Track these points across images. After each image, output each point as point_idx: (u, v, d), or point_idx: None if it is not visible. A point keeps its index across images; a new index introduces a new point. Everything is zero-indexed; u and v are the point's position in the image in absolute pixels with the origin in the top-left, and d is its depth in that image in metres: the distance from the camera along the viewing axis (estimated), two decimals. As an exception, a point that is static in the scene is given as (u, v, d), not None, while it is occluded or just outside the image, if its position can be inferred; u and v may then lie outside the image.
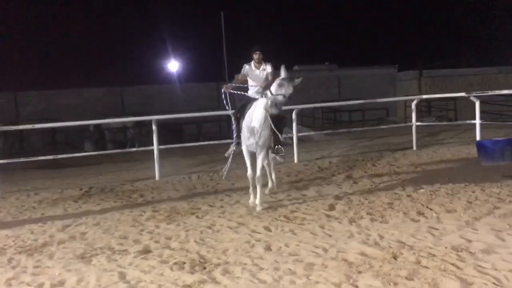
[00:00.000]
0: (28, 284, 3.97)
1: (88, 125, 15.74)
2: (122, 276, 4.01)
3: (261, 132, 6.22)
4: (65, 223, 6.06)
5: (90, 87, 22.45)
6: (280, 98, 5.97)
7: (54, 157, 10.22)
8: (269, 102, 6.06)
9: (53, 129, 19.00)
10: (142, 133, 16.40)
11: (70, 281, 3.98)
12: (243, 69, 7.09)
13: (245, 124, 6.46)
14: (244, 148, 6.63)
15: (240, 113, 6.82)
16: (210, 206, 6.57)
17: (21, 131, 18.86)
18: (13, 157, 10.54)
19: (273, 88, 6.09)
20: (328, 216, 5.58)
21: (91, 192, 8.35)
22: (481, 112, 10.49)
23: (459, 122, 15.08)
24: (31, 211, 7.02)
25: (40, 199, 7.99)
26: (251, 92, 7.01)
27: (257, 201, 6.24)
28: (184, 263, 4.23)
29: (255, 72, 6.94)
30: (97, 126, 15.99)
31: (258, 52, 6.89)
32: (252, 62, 6.98)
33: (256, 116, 6.29)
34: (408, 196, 6.36)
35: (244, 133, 6.45)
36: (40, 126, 11.30)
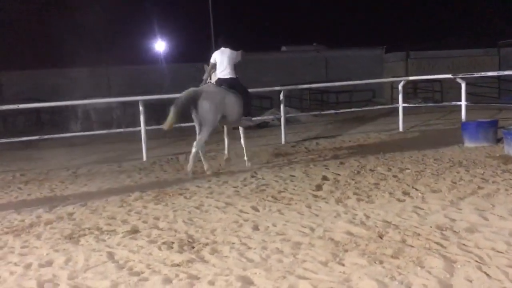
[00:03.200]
0: (15, 264, 3.95)
1: (74, 106, 15.58)
2: (111, 256, 4.02)
3: None
4: (52, 204, 6.03)
5: (75, 67, 22.09)
6: None
7: (39, 137, 10.14)
8: None
9: (38, 109, 18.75)
10: (127, 114, 16.29)
11: (58, 261, 3.98)
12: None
13: None
14: None
15: None
16: (198, 186, 6.59)
17: (5, 111, 18.60)
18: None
19: None
20: (315, 196, 5.63)
21: (77, 173, 8.32)
22: (467, 93, 10.59)
23: (445, 103, 15.24)
24: (17, 192, 6.98)
25: (26, 179, 7.94)
26: None
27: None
28: (173, 242, 4.25)
29: None
30: (82, 106, 15.83)
31: None
32: None
33: None
34: (394, 176, 6.44)
35: None
36: (25, 106, 11.16)
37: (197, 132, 7.52)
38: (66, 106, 15.88)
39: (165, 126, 7.30)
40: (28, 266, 3.90)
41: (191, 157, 7.35)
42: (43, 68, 21.69)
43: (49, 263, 3.95)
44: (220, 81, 7.70)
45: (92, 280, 3.54)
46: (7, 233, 4.86)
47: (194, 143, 7.39)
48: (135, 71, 22.77)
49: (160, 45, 34.94)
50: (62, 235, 4.68)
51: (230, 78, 7.69)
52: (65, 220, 5.25)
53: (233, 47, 7.86)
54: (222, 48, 7.79)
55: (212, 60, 7.87)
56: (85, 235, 4.65)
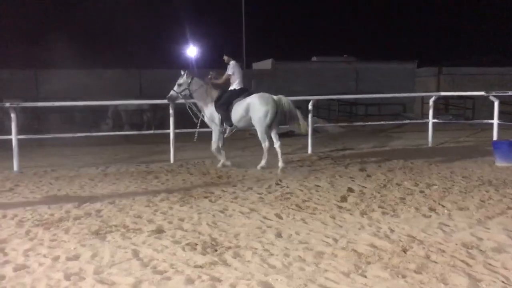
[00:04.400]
0: (44, 256, 4.08)
1: (106, 106, 15.93)
2: (136, 253, 4.10)
3: None
4: (81, 200, 6.20)
5: (109, 68, 22.59)
6: None
7: (72, 135, 10.39)
8: None
9: (72, 108, 19.22)
10: (156, 117, 16.56)
11: (85, 255, 4.08)
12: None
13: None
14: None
15: None
16: (223, 191, 6.65)
17: (39, 109, 19.15)
18: (31, 134, 10.72)
19: None
20: (339, 207, 5.62)
21: (107, 171, 8.50)
22: (500, 112, 10.40)
23: (476, 121, 14.95)
24: (48, 187, 7.17)
25: (57, 175, 8.16)
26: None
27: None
28: (196, 244, 4.31)
29: None
30: (114, 107, 16.18)
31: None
32: None
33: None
34: (421, 192, 6.37)
35: None
36: (60, 104, 11.46)
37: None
38: (98, 106, 16.23)
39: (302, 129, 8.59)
40: (56, 259, 4.01)
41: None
42: (78, 68, 22.22)
43: (76, 257, 4.05)
44: (244, 90, 8.54)
45: (117, 276, 3.62)
46: (37, 225, 5.02)
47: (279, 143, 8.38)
48: (166, 75, 23.08)
49: (191, 51, 35.40)
50: (90, 230, 4.80)
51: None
52: (93, 216, 5.37)
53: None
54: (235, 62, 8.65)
55: (231, 71, 8.57)
56: (111, 232, 4.75)
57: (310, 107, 10.61)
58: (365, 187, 6.69)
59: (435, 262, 3.78)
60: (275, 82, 23.95)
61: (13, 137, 8.93)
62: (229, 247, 4.23)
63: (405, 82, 24.40)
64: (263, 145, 8.44)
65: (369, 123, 14.02)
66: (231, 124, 8.47)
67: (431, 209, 5.44)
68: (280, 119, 8.47)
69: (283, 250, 4.12)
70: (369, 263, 3.81)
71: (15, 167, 8.79)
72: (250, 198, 6.16)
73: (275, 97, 8.35)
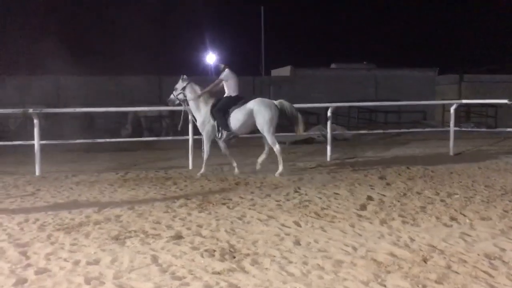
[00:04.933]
0: (65, 260, 4.13)
1: (126, 112, 16.12)
2: (155, 259, 4.13)
3: None
4: (101, 205, 6.27)
5: (130, 75, 22.86)
6: None
7: (92, 141, 10.54)
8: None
9: (92, 114, 19.49)
10: (176, 123, 16.67)
11: (105, 260, 4.12)
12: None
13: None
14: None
15: None
16: (241, 198, 6.65)
17: (61, 115, 19.46)
18: (52, 139, 10.88)
19: None
20: (359, 215, 5.57)
21: (126, 177, 8.59)
22: (523, 120, 10.20)
23: (499, 129, 14.70)
24: (69, 192, 7.27)
25: (78, 180, 8.27)
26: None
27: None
28: (215, 251, 4.32)
29: None
30: (134, 113, 16.35)
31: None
32: None
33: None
34: (442, 201, 6.27)
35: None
36: (81, 110, 11.65)
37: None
38: (118, 113, 16.43)
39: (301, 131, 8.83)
40: (76, 263, 4.06)
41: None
42: (99, 74, 22.56)
43: (96, 262, 4.10)
44: (239, 97, 8.72)
45: (136, 281, 3.65)
46: (58, 230, 5.09)
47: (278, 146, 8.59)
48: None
49: (210, 58, 35.64)
50: (109, 235, 4.85)
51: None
52: (113, 221, 5.43)
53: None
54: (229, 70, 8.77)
55: (225, 78, 8.72)
56: (131, 237, 4.79)
57: (329, 114, 10.56)
58: (385, 196, 6.62)
59: (457, 273, 3.72)
60: (293, 89, 23.95)
61: (36, 142, 9.10)
62: (247, 254, 4.23)
63: (425, 89, 24.16)
64: (275, 149, 8.57)
65: (389, 130, 13.89)
66: (229, 130, 8.62)
67: (452, 219, 5.36)
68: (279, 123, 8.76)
69: (302, 258, 4.10)
70: (388, 272, 3.76)
71: (37, 172, 8.95)
72: (268, 205, 6.15)
73: (276, 102, 8.67)
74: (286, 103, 8.68)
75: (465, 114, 21.05)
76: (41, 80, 21.55)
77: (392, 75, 24.88)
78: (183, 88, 8.84)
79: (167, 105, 9.72)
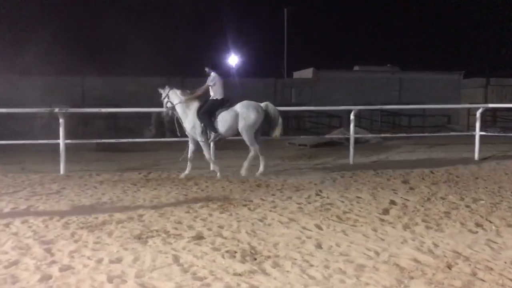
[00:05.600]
0: (88, 258, 4.18)
1: (149, 113, 16.28)
2: (176, 259, 4.15)
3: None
4: (124, 204, 6.34)
5: (153, 76, 23.09)
6: None
7: (116, 140, 10.68)
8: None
9: (115, 114, 19.78)
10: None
11: (127, 259, 4.16)
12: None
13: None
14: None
15: None
16: (262, 200, 6.64)
17: (85, 115, 19.78)
18: (77, 139, 11.08)
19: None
20: (381, 220, 5.50)
21: (149, 177, 8.67)
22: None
23: (526, 134, 14.33)
24: (92, 191, 7.37)
25: (101, 179, 8.39)
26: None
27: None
28: (236, 252, 4.32)
29: None
30: (157, 114, 16.49)
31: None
32: None
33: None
34: (467, 206, 6.15)
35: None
36: (106, 110, 11.81)
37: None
38: (141, 113, 16.61)
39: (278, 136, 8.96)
40: (99, 261, 4.11)
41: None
42: (122, 75, 22.87)
43: (119, 260, 4.14)
44: (225, 100, 8.83)
45: (158, 281, 3.67)
46: (82, 228, 5.16)
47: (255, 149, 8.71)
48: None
49: (233, 59, 35.78)
50: (132, 234, 4.89)
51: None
52: (135, 220, 5.47)
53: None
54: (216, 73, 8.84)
55: (212, 82, 8.78)
56: (153, 236, 4.83)
57: (352, 117, 10.48)
58: (408, 200, 6.53)
59: (483, 280, 3.64)
60: (315, 91, 23.87)
61: (61, 141, 9.26)
62: (268, 256, 4.21)
63: (450, 93, 23.79)
64: (252, 149, 8.75)
65: (413, 134, 13.70)
66: (216, 131, 8.69)
67: (478, 225, 5.25)
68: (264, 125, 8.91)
69: (323, 262, 4.07)
70: (412, 278, 3.70)
71: (62, 170, 9.11)
72: (289, 208, 6.12)
73: (262, 104, 8.80)
74: (271, 106, 8.85)
75: (491, 118, 20.65)
76: (66, 81, 21.94)
77: (416, 78, 24.57)
78: (167, 96, 8.90)
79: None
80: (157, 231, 5.02)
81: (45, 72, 21.31)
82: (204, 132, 8.76)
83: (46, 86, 21.43)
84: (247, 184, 7.91)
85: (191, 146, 8.95)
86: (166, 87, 9.00)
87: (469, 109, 18.83)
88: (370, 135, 14.88)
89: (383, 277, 3.71)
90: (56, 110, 9.51)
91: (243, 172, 8.69)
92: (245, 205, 6.27)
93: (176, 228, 5.13)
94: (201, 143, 8.83)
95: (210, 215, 5.75)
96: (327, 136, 14.54)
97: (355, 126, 11.07)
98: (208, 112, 8.64)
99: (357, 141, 11.69)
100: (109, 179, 8.41)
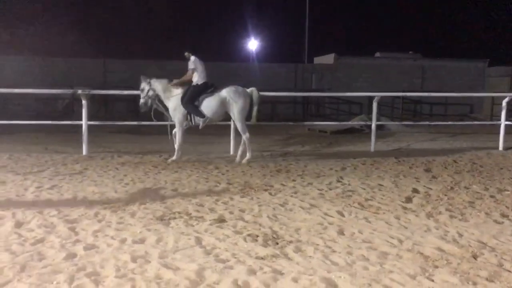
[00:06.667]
0: (112, 238, 4.23)
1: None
2: (199, 241, 4.17)
3: None
4: (146, 186, 6.39)
5: (172, 59, 23.09)
6: None
7: (138, 123, 10.73)
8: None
9: (136, 97, 19.83)
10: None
11: (150, 239, 4.19)
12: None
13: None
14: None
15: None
16: (283, 185, 6.62)
17: (107, 97, 19.96)
18: (99, 121, 11.16)
19: None
20: (404, 208, 5.44)
21: (169, 160, 8.70)
22: None
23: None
24: (114, 172, 7.45)
25: (123, 161, 8.46)
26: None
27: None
28: (257, 236, 4.32)
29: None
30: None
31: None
32: None
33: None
34: (491, 196, 6.04)
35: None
36: (128, 92, 11.84)
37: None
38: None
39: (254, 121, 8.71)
40: (123, 241, 4.15)
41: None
42: (144, 58, 22.96)
43: (142, 241, 4.17)
44: (207, 84, 8.64)
45: (181, 262, 3.69)
46: (105, 208, 5.21)
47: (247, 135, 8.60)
48: (227, 67, 23.32)
49: (253, 44, 35.57)
50: (154, 216, 4.93)
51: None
52: (157, 202, 5.51)
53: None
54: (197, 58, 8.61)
55: (193, 66, 8.56)
56: (175, 218, 4.86)
57: (374, 103, 10.33)
58: (431, 189, 6.44)
59: (509, 271, 3.57)
60: (336, 77, 23.63)
61: (83, 122, 9.35)
62: (290, 241, 4.20)
63: (474, 81, 23.33)
64: (244, 136, 8.63)
65: (436, 123, 13.49)
66: (203, 116, 8.54)
67: (504, 215, 5.15)
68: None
69: (346, 248, 4.04)
70: (436, 267, 3.66)
71: (84, 151, 9.22)
72: (310, 194, 6.09)
73: (248, 90, 8.68)
74: (256, 92, 8.68)
75: (516, 108, 20.19)
76: (87, 63, 22.12)
77: (439, 65, 24.13)
78: (149, 84, 8.73)
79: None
80: (179, 213, 5.05)
81: (66, 54, 21.53)
82: (184, 119, 8.64)
83: (67, 68, 21.66)
84: (267, 169, 7.90)
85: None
86: (143, 77, 8.87)
87: (493, 98, 18.44)
88: (392, 123, 14.69)
89: (407, 265, 3.67)
90: (79, 92, 9.59)
91: (246, 160, 8.55)
92: (265, 190, 6.27)
93: (198, 211, 5.15)
94: (177, 128, 8.72)
95: (231, 198, 5.76)
96: (348, 122, 14.42)
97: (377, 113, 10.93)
98: (191, 100, 8.49)
99: (378, 128, 11.57)
100: (131, 161, 8.48)
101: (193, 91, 8.56)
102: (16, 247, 3.93)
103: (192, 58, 8.59)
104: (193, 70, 8.58)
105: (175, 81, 8.81)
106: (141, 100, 8.84)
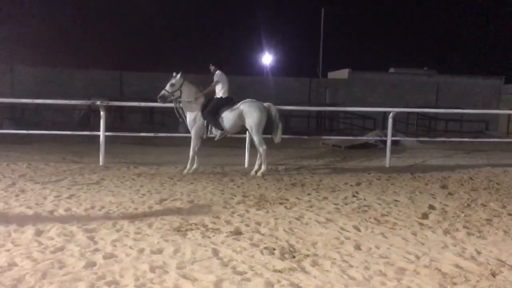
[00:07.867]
0: (130, 248, 4.27)
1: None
2: (216, 252, 4.19)
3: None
4: (162, 197, 6.44)
5: (187, 73, 23.31)
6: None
7: (154, 134, 10.85)
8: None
9: (152, 109, 20.09)
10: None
11: (168, 250, 4.23)
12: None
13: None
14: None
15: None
16: (298, 198, 6.63)
17: (123, 109, 20.20)
18: (114, 132, 11.30)
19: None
20: (421, 224, 5.41)
21: (185, 171, 8.76)
22: None
23: None
24: (131, 182, 7.52)
25: (139, 172, 8.54)
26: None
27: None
28: (274, 249, 4.33)
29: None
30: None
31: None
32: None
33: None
34: (509, 214, 5.99)
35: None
36: (145, 105, 12.00)
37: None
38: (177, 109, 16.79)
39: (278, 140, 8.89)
40: (141, 251, 4.19)
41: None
42: (158, 71, 23.20)
43: (160, 251, 4.21)
44: (229, 99, 8.84)
45: (199, 273, 3.72)
46: (123, 218, 5.27)
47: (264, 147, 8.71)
48: (241, 81, 23.47)
49: (267, 58, 35.79)
50: (171, 227, 4.97)
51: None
52: (174, 213, 5.56)
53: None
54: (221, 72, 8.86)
55: (218, 79, 8.82)
56: (192, 229, 4.89)
57: (390, 119, 10.31)
58: (447, 205, 6.40)
59: (529, 290, 3.54)
60: (350, 92, 23.65)
61: (101, 133, 9.48)
62: (307, 255, 4.21)
63: (489, 98, 23.16)
64: (261, 149, 8.70)
65: (452, 139, 13.40)
66: (221, 129, 8.68)
67: (522, 234, 5.10)
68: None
69: (363, 263, 4.04)
70: (455, 284, 3.64)
71: (101, 162, 9.33)
72: (326, 208, 6.10)
73: (265, 104, 8.82)
74: (273, 107, 8.81)
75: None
76: (104, 75, 22.44)
77: (454, 82, 24.02)
78: (181, 85, 8.72)
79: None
80: (195, 224, 5.09)
81: (84, 66, 21.87)
82: (201, 131, 8.76)
83: (85, 80, 21.99)
84: (282, 183, 7.91)
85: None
86: (179, 77, 8.71)
87: (509, 115, 18.30)
88: (407, 138, 14.63)
89: (425, 281, 3.66)
90: (98, 103, 9.73)
91: (261, 173, 8.60)
92: (281, 203, 6.28)
93: (214, 223, 5.18)
94: (192, 137, 8.80)
95: (247, 211, 5.78)
96: (362, 137, 14.39)
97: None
98: (212, 111, 8.65)
99: (392, 143, 11.53)
100: (147, 172, 8.56)
101: (217, 103, 8.72)
102: (37, 255, 4.00)
103: (218, 72, 8.81)
104: (217, 82, 8.76)
105: (200, 91, 8.91)
106: (165, 93, 8.68)
